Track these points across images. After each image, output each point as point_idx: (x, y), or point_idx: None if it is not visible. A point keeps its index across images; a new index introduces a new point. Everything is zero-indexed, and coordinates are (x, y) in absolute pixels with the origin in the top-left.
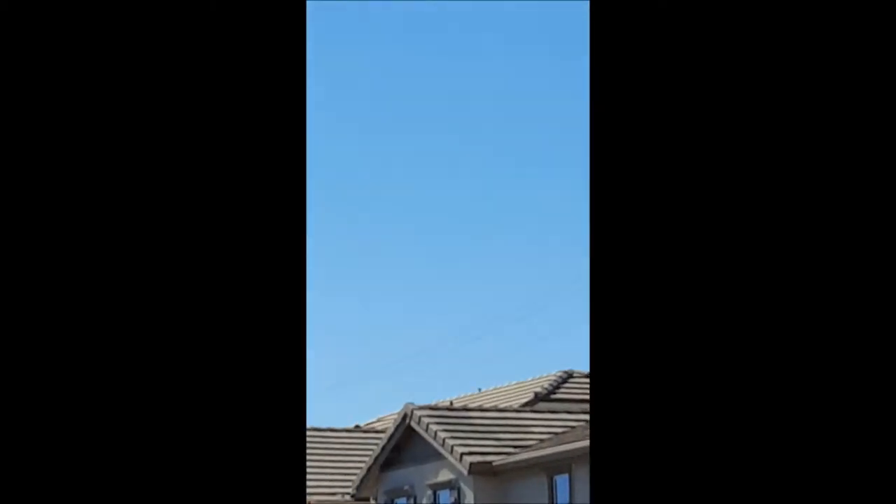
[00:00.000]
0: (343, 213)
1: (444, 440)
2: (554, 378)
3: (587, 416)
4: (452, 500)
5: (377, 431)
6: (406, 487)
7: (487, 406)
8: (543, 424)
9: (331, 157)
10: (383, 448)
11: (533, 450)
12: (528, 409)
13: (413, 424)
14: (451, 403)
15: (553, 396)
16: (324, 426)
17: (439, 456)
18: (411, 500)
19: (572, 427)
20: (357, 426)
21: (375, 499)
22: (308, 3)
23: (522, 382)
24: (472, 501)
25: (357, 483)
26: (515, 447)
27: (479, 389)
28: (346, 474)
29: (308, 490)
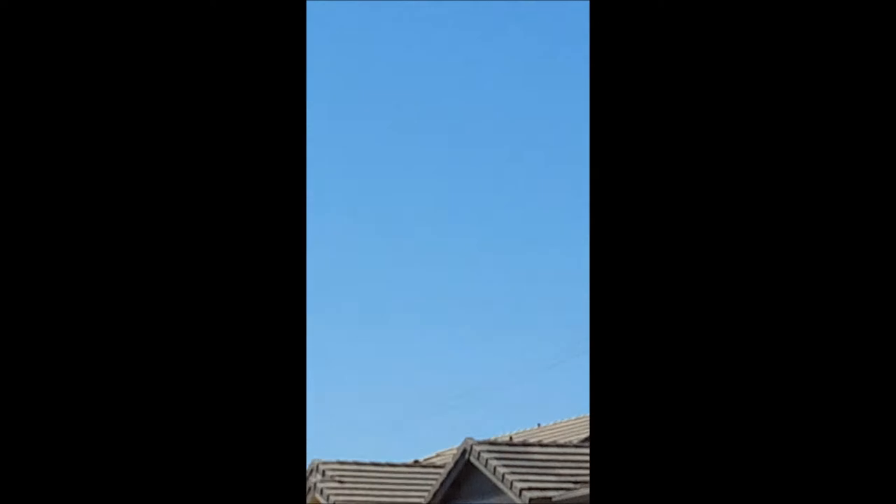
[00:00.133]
0: (396, 242)
1: (503, 475)
2: None
3: None
4: None
5: (436, 466)
6: None
7: (547, 441)
8: None
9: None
10: (442, 483)
11: None
12: (587, 444)
13: (472, 459)
14: (511, 438)
15: None
16: (383, 461)
17: (498, 491)
18: None
19: None
20: (416, 461)
21: None
22: (308, 3)
23: (582, 417)
24: None
25: None
26: (575, 482)
27: (539, 424)
28: None
29: None
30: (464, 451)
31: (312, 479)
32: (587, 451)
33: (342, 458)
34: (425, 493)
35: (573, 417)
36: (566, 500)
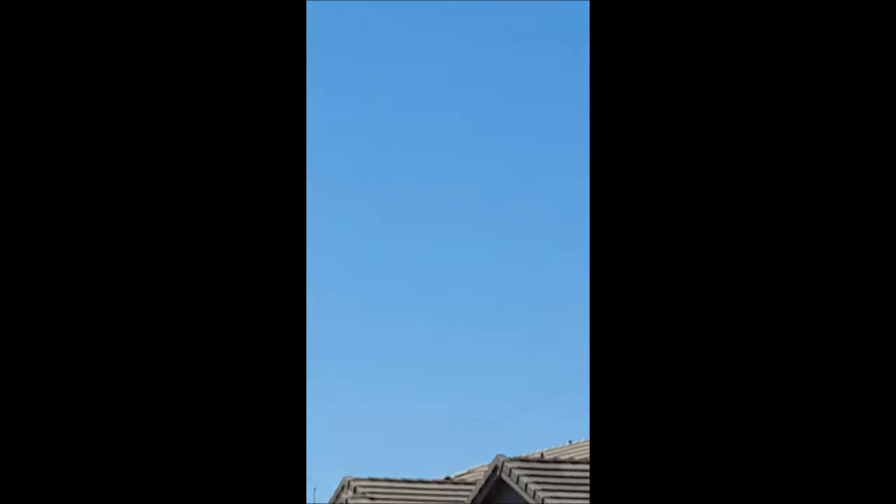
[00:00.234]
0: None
1: (534, 492)
2: None
3: None
4: None
5: (467, 483)
6: None
7: (578, 458)
8: None
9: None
10: (473, 501)
11: None
12: None
13: (504, 477)
14: (542, 455)
15: None
16: (414, 478)
17: None
18: None
19: None
20: (447, 478)
21: None
22: (308, 3)
23: None
24: None
25: None
26: None
27: (570, 441)
28: None
29: None
30: (495, 468)
31: (343, 496)
32: None
33: (373, 475)
34: None
35: None
36: None
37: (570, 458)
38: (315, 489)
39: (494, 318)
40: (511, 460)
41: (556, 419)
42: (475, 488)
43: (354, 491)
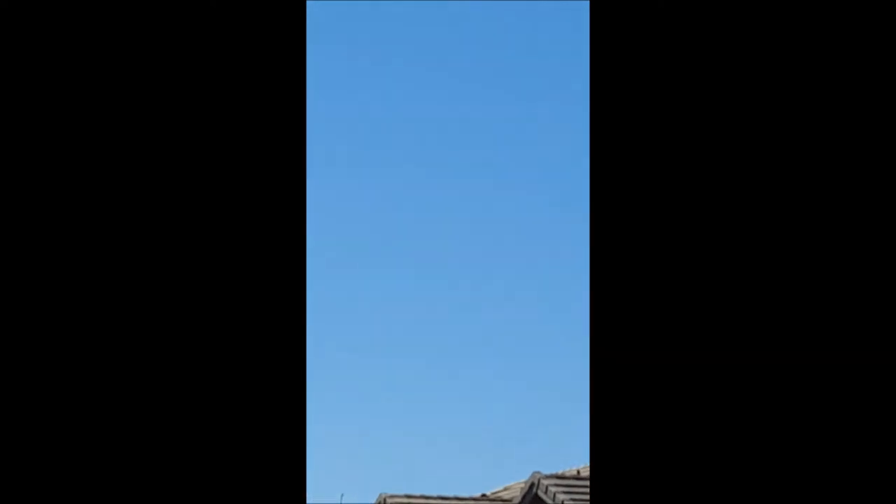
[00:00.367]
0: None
1: None
2: None
3: None
4: None
5: (504, 500)
6: None
7: None
8: None
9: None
10: None
11: None
12: None
13: (540, 493)
14: (579, 472)
15: None
16: (450, 494)
17: None
18: None
19: None
20: (484, 495)
21: None
22: (308, 3)
23: None
24: None
25: None
26: None
27: None
28: None
29: None
30: (531, 485)
31: None
32: None
33: (409, 492)
34: None
35: None
36: None
37: None
38: None
39: (530, 334)
40: (547, 477)
41: None
42: None
43: None
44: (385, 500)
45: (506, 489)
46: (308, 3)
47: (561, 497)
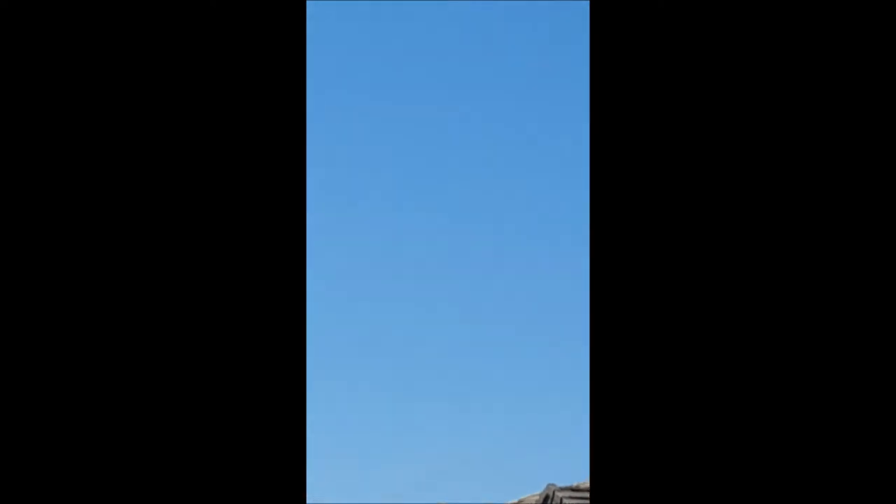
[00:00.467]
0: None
1: None
2: None
3: None
4: None
5: None
6: None
7: None
8: None
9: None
10: None
11: None
12: None
13: None
14: None
15: None
16: None
17: None
18: None
19: None
20: None
21: None
22: (308, 3)
23: None
24: None
25: None
26: None
27: None
28: None
29: None
30: (546, 497)
31: None
32: None
33: (425, 502)
34: None
35: None
36: None
37: None
38: None
39: (551, 345)
40: (562, 489)
41: None
42: None
43: None
44: None
45: (520, 502)
46: (308, 4)
47: None
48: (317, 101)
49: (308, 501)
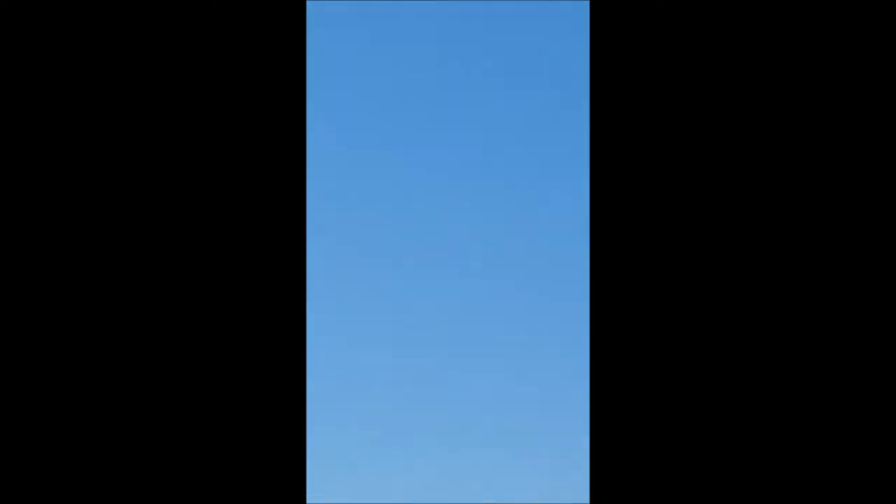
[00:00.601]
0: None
1: None
2: None
3: None
4: None
5: None
6: None
7: None
8: None
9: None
10: None
11: None
12: None
13: None
14: None
15: None
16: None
17: None
18: None
19: None
20: None
21: None
22: (308, 3)
23: None
24: None
25: None
26: None
27: None
28: None
29: None
30: None
31: None
32: None
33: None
34: None
35: None
36: None
37: None
38: None
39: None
40: None
41: None
42: None
43: None
44: None
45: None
46: (308, 4)
47: None
48: (317, 101)
49: (308, 501)
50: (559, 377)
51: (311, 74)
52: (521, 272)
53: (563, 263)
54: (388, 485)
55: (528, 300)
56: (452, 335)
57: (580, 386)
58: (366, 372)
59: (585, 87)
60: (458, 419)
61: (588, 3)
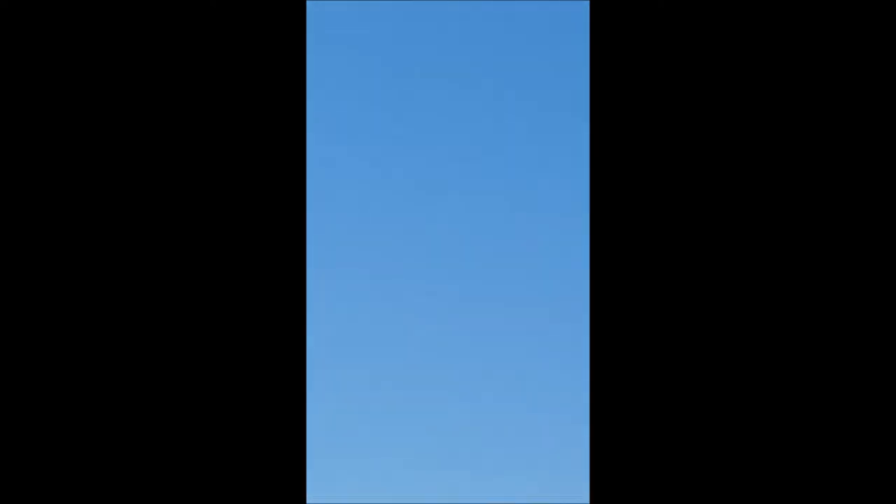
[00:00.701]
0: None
1: None
2: None
3: None
4: None
5: None
6: None
7: None
8: None
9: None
10: None
11: None
12: None
13: None
14: None
15: None
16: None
17: None
18: None
19: None
20: None
21: None
22: (308, 3)
23: None
24: None
25: None
26: None
27: None
28: None
29: None
30: None
31: None
32: None
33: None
34: None
35: None
36: None
37: None
38: None
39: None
40: None
41: None
42: None
43: None
44: None
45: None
46: (308, 4)
47: None
48: (317, 101)
49: (308, 501)
50: (559, 377)
51: (311, 74)
52: (520, 272)
53: (563, 263)
54: (388, 485)
55: (528, 300)
56: (452, 335)
57: (580, 386)
58: (365, 372)
59: (585, 87)
60: (458, 419)
61: (588, 3)
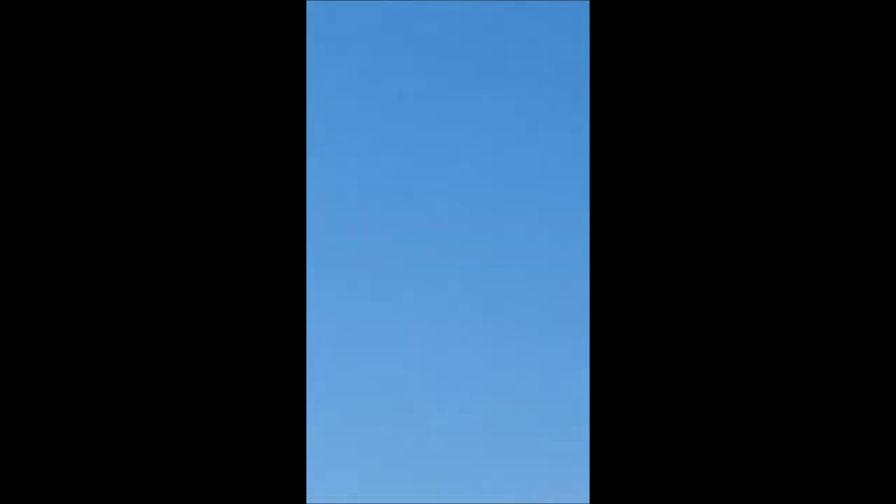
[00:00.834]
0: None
1: None
2: None
3: None
4: None
5: None
6: None
7: None
8: None
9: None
10: None
11: None
12: None
13: None
14: None
15: None
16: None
17: None
18: None
19: None
20: None
21: None
22: (308, 3)
23: None
24: None
25: None
26: None
27: None
28: None
29: None
30: None
31: None
32: None
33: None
34: None
35: None
36: None
37: None
38: None
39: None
40: None
41: None
42: None
43: None
44: None
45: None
46: (308, 4)
47: None
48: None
49: (308, 502)
50: (559, 377)
51: (311, 74)
52: (520, 272)
53: (563, 263)
54: (388, 485)
55: (528, 300)
56: (452, 335)
57: (580, 386)
58: (365, 372)
59: (585, 87)
60: (458, 419)
61: (588, 3)
